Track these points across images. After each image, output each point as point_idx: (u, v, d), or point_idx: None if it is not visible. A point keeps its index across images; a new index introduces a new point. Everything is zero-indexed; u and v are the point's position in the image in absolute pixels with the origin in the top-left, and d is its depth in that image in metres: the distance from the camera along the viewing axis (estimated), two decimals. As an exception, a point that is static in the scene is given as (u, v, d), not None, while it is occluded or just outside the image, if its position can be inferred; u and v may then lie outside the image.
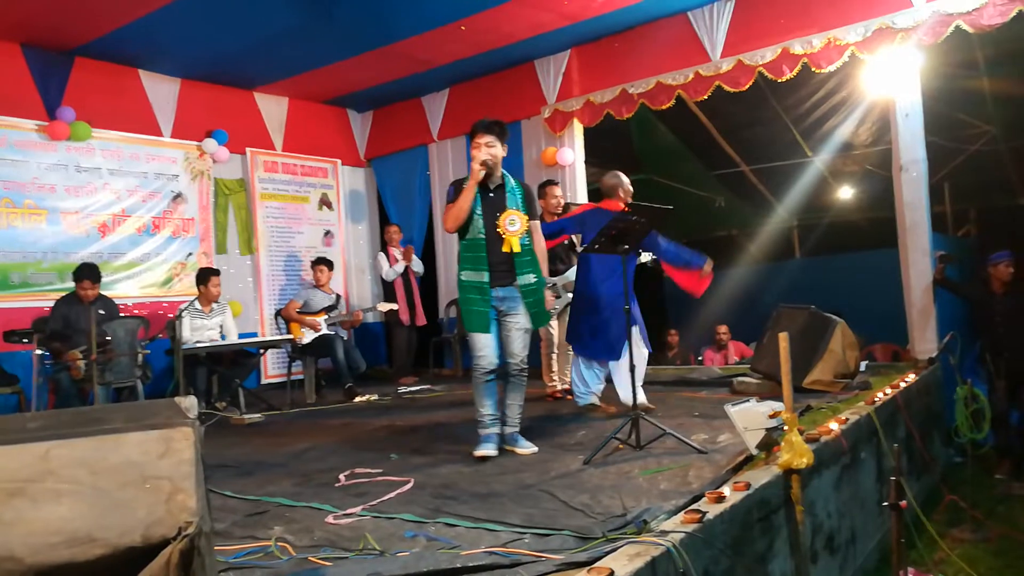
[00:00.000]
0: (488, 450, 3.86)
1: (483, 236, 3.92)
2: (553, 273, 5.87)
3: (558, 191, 6.19)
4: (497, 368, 3.95)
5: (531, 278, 3.96)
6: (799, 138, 9.11)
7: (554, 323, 5.85)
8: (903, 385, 4.90)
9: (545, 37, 7.25)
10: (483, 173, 3.87)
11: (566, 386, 5.84)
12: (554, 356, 5.90)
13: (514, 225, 3.90)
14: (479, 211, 3.93)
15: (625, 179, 4.97)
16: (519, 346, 3.99)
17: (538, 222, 4.09)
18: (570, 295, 5.87)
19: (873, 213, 9.99)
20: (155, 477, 1.54)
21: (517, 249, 3.90)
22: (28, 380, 5.83)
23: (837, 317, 5.18)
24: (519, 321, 3.98)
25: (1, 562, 1.35)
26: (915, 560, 3.68)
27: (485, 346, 3.93)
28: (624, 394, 4.72)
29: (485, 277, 3.91)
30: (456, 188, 3.97)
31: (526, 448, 3.93)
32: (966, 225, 10.16)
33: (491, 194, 3.96)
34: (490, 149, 3.87)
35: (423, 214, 9.02)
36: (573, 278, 5.93)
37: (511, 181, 4.02)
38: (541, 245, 4.09)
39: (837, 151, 9.24)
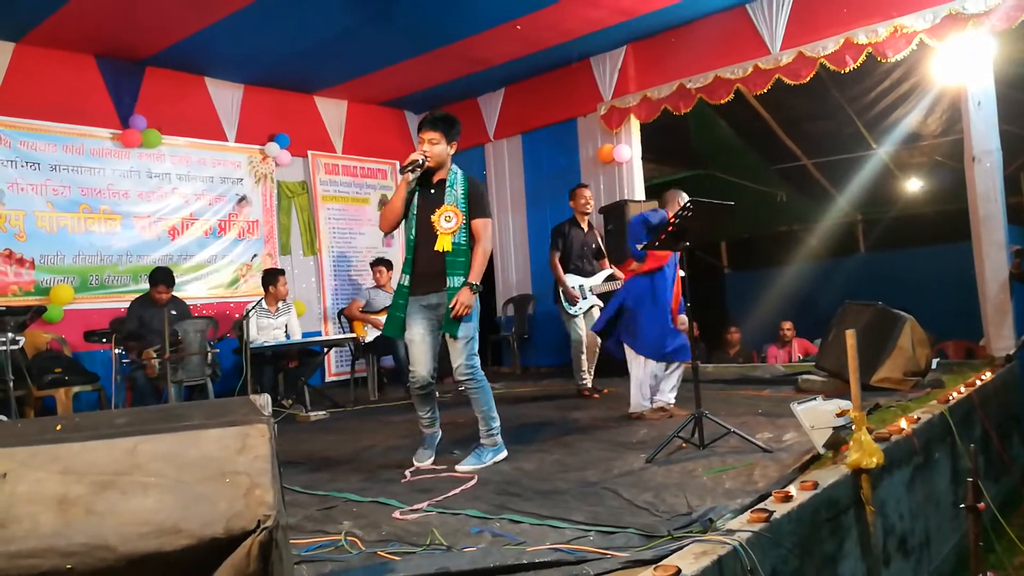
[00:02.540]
0: (423, 459, 3.85)
1: (413, 237, 3.79)
2: (580, 273, 5.87)
3: (587, 192, 6.21)
4: (430, 384, 3.83)
5: (458, 281, 3.71)
6: (863, 130, 8.86)
7: (581, 322, 5.84)
8: (979, 383, 4.71)
9: (601, 34, 7.22)
10: (418, 172, 3.71)
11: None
12: (583, 355, 5.89)
13: (449, 222, 3.71)
14: (415, 211, 3.79)
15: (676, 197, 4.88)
16: (456, 355, 3.77)
17: (486, 220, 3.78)
18: (595, 298, 5.85)
19: (942, 206, 9.64)
20: (234, 472, 1.60)
21: (448, 248, 3.70)
22: (107, 378, 6.10)
23: (906, 313, 5.03)
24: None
25: (96, 550, 1.42)
26: (994, 564, 3.55)
27: (415, 361, 3.81)
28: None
29: (407, 281, 3.81)
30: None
31: (465, 466, 3.69)
32: (1044, 217, 9.73)
33: (432, 191, 3.79)
34: (433, 147, 3.73)
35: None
36: (599, 281, 5.91)
37: (457, 177, 3.80)
38: (485, 246, 3.77)
39: (904, 142, 8.95)
